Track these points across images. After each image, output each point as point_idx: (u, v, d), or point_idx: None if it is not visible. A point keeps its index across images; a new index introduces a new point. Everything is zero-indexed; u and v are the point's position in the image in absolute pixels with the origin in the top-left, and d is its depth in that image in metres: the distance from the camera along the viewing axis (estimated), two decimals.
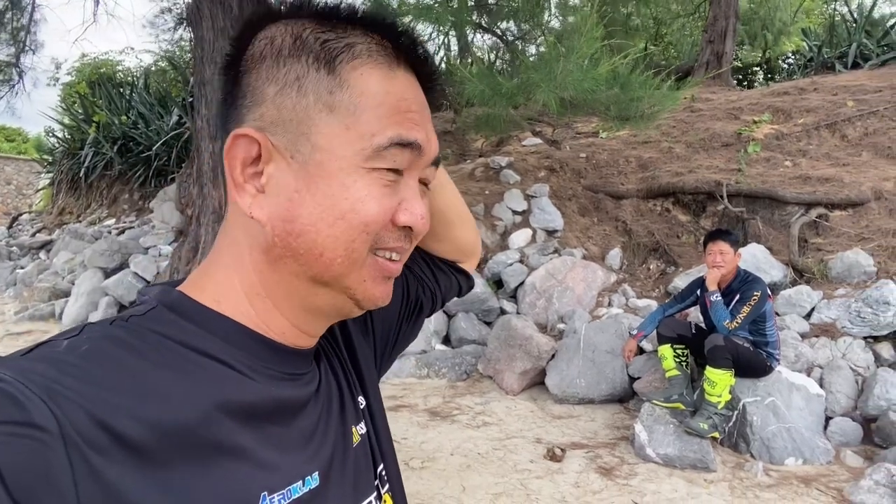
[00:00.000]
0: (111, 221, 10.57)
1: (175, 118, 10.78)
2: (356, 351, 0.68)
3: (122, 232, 9.28)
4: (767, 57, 12.89)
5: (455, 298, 0.89)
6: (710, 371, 3.64)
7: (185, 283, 0.54)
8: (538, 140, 8.51)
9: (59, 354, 0.42)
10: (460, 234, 0.83)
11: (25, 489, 0.36)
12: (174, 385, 0.45)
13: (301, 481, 0.51)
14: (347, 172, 0.50)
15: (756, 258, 5.25)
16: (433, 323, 5.51)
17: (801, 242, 5.58)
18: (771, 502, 3.17)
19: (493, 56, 9.45)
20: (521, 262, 6.04)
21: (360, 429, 0.63)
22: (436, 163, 0.57)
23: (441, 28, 6.61)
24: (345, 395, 0.62)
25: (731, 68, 11.00)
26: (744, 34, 12.56)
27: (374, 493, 0.61)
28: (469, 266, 0.88)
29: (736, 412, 3.78)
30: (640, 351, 4.62)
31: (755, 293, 3.69)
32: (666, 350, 3.99)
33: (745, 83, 12.32)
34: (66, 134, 12.92)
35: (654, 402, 3.89)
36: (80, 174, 11.74)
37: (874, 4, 12.20)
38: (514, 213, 6.67)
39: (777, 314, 4.58)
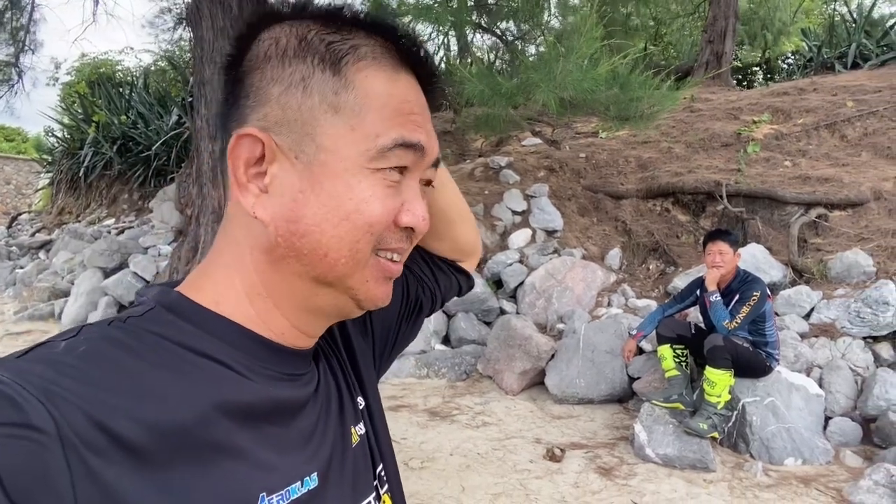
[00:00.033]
0: (111, 221, 10.56)
1: (174, 118, 10.78)
2: (355, 351, 0.68)
3: (122, 232, 9.27)
4: (767, 57, 12.89)
5: (455, 298, 0.89)
6: (709, 371, 3.64)
7: (184, 283, 0.54)
8: (538, 140, 8.51)
9: (57, 356, 0.42)
10: (461, 233, 0.83)
11: (23, 491, 0.36)
12: (172, 386, 0.45)
13: (300, 482, 0.50)
14: (352, 173, 0.50)
15: (755, 258, 5.25)
16: (433, 323, 5.51)
17: (800, 242, 5.58)
18: (770, 502, 3.17)
19: (492, 56, 9.45)
20: (520, 262, 6.04)
21: (359, 429, 0.63)
22: (435, 164, 0.58)
23: (441, 28, 6.61)
24: (343, 395, 0.62)
25: (731, 68, 11.00)
26: (743, 34, 12.56)
27: (373, 494, 0.61)
28: (469, 265, 0.88)
29: (735, 412, 3.78)
30: (640, 351, 4.63)
31: (754, 293, 3.69)
32: (665, 350, 3.99)
33: (745, 83, 12.32)
34: (65, 134, 12.91)
35: (654, 402, 3.89)
36: (80, 174, 11.74)
37: (874, 5, 12.22)
38: (514, 213, 6.67)
39: (776, 314, 4.58)
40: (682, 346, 4.01)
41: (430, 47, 7.96)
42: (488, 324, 5.62)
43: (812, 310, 4.72)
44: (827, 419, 3.92)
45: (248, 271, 0.53)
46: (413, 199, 0.54)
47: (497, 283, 6.02)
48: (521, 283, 5.81)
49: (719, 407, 3.67)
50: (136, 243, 7.99)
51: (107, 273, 7.27)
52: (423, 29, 7.04)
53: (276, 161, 0.50)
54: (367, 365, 0.69)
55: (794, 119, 7.52)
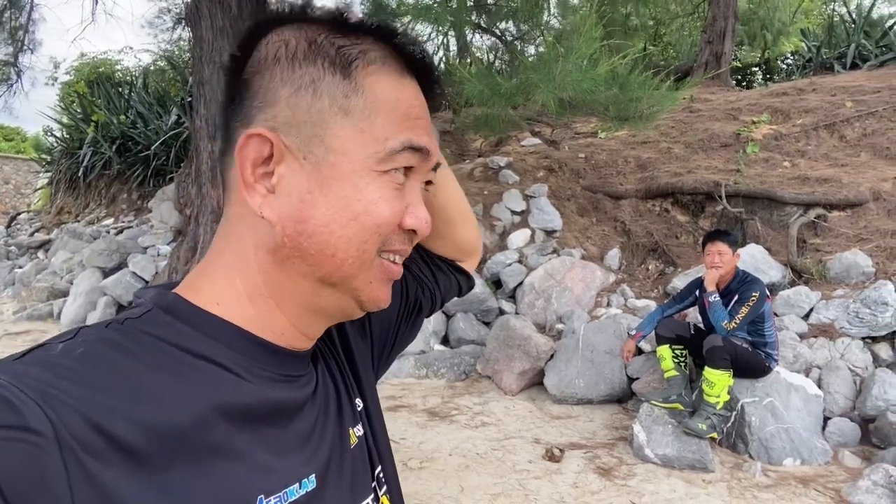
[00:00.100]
0: (110, 221, 10.56)
1: (174, 118, 10.78)
2: (353, 353, 0.68)
3: (121, 231, 9.27)
4: (766, 57, 12.90)
5: (454, 298, 0.89)
6: (708, 371, 3.64)
7: (182, 284, 0.54)
8: (537, 140, 8.51)
9: (54, 358, 0.42)
10: (462, 233, 0.83)
11: (21, 493, 0.36)
12: (170, 388, 0.45)
13: (297, 484, 0.50)
14: (360, 174, 0.51)
15: (755, 259, 5.26)
16: (432, 323, 5.51)
17: (799, 243, 5.58)
18: (769, 503, 3.18)
19: (492, 56, 9.46)
20: (519, 262, 6.04)
21: (358, 431, 0.63)
22: (435, 167, 0.59)
23: (440, 28, 6.62)
24: (342, 397, 0.62)
25: (730, 69, 11.01)
26: (743, 34, 12.57)
27: (372, 496, 0.61)
28: (469, 265, 0.88)
29: (734, 413, 3.79)
30: (639, 351, 4.63)
31: (753, 294, 3.70)
32: (664, 350, 4.00)
33: (744, 84, 12.33)
34: (64, 133, 12.90)
35: (653, 402, 3.90)
36: (79, 173, 11.73)
37: (873, 5, 12.23)
38: (513, 213, 6.67)
39: (775, 315, 4.58)
40: (682, 347, 4.01)
41: (430, 47, 7.97)
42: (487, 324, 5.63)
43: (811, 310, 4.73)
44: (826, 419, 3.93)
45: (252, 271, 0.53)
46: (416, 202, 0.55)
47: (496, 284, 6.02)
48: (521, 284, 5.81)
49: (718, 407, 3.67)
50: (136, 243, 7.99)
51: (106, 273, 7.27)
52: (423, 29, 7.05)
53: (284, 161, 0.51)
54: (365, 366, 0.69)
55: (794, 119, 7.53)
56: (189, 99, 9.57)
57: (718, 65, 10.20)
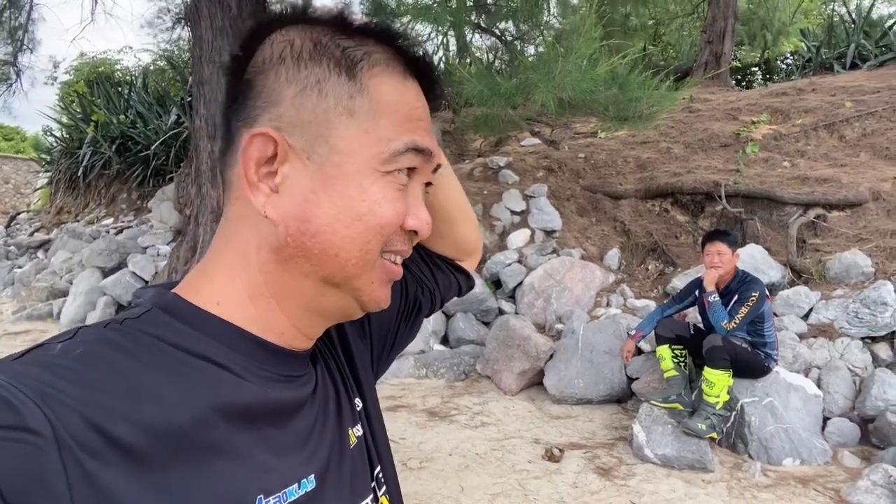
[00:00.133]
0: (109, 221, 10.55)
1: (173, 118, 10.77)
2: (353, 353, 0.68)
3: (121, 231, 9.27)
4: (766, 57, 12.90)
5: (454, 298, 0.89)
6: (708, 371, 3.64)
7: (181, 284, 0.54)
8: (537, 140, 8.51)
9: (53, 358, 0.42)
10: (462, 232, 0.83)
11: (20, 494, 0.36)
12: (168, 387, 0.45)
13: (297, 484, 0.50)
14: (364, 175, 0.51)
15: (754, 259, 5.26)
16: (431, 323, 5.51)
17: (799, 243, 5.58)
18: (768, 503, 3.18)
19: (491, 56, 9.45)
20: (519, 262, 6.05)
21: (357, 431, 0.63)
22: (435, 169, 0.59)
23: (440, 28, 6.62)
24: (341, 397, 0.62)
25: (730, 69, 11.01)
26: (743, 34, 12.57)
27: (371, 496, 0.61)
28: (469, 265, 0.88)
29: (734, 413, 3.79)
30: (639, 351, 4.63)
31: (753, 294, 3.70)
32: (664, 350, 4.00)
33: (744, 84, 12.33)
34: (64, 133, 12.90)
35: (653, 402, 3.90)
36: (79, 173, 11.73)
37: (872, 5, 12.23)
38: (513, 213, 6.67)
39: (775, 315, 4.58)
40: (681, 347, 4.01)
41: (429, 47, 7.96)
42: (487, 324, 5.63)
43: (810, 310, 4.73)
44: (825, 419, 3.93)
45: (253, 271, 0.53)
46: (418, 203, 0.55)
47: (496, 283, 6.03)
48: (520, 284, 5.81)
49: (718, 407, 3.67)
50: (135, 243, 7.99)
51: (105, 273, 7.26)
52: (422, 29, 7.04)
53: (288, 161, 0.51)
54: (364, 367, 0.69)
55: (793, 119, 7.53)
56: (189, 99, 9.57)
57: (718, 65, 10.20)
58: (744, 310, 3.68)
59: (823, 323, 4.58)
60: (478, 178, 7.33)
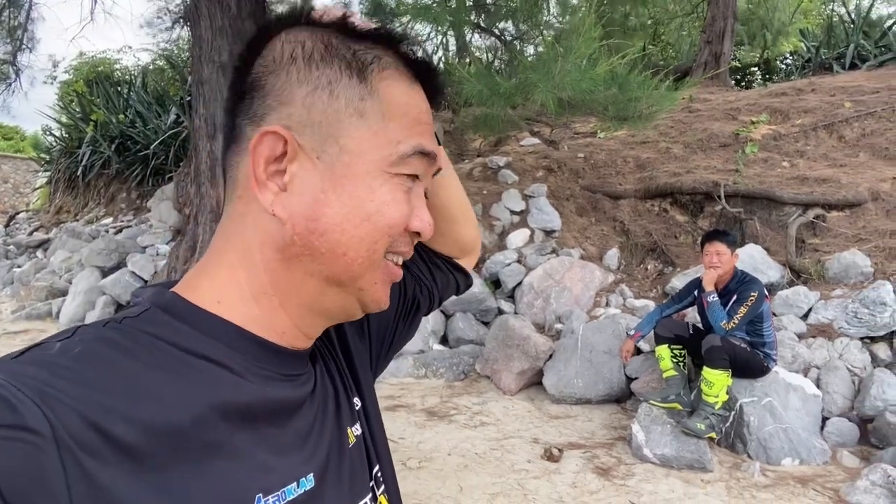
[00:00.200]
0: (109, 220, 10.54)
1: (173, 117, 10.76)
2: (352, 352, 0.68)
3: (120, 231, 9.26)
4: (765, 57, 12.90)
5: (453, 298, 0.89)
6: (707, 371, 3.65)
7: (180, 283, 0.54)
8: (536, 140, 8.51)
9: (52, 357, 0.42)
10: (462, 231, 0.83)
11: (19, 493, 0.36)
12: (167, 386, 0.45)
13: (296, 483, 0.50)
14: (374, 176, 0.52)
15: (753, 259, 5.26)
16: (431, 323, 5.51)
17: (798, 243, 5.59)
18: (768, 502, 3.18)
19: (491, 56, 9.45)
20: (518, 262, 6.05)
21: (356, 430, 0.63)
22: (436, 172, 0.60)
23: (439, 28, 6.62)
24: (340, 396, 0.62)
25: (729, 69, 11.01)
26: (743, 34, 12.57)
27: (370, 495, 0.61)
28: (467, 263, 0.89)
29: (733, 412, 3.79)
30: (638, 351, 4.63)
31: (752, 294, 3.70)
32: (663, 350, 4.00)
33: (743, 84, 12.33)
34: (63, 132, 12.88)
35: (652, 402, 3.90)
36: (78, 173, 11.71)
37: (872, 5, 12.22)
38: (512, 213, 6.67)
39: (774, 315, 4.58)
40: (680, 347, 4.01)
41: (429, 47, 7.96)
42: (486, 324, 5.63)
43: (810, 310, 4.73)
44: (824, 419, 3.93)
45: (257, 270, 0.53)
46: (421, 205, 0.56)
47: (495, 283, 6.03)
48: (520, 283, 5.81)
49: (717, 407, 3.68)
50: (134, 242, 7.98)
51: (105, 272, 7.26)
52: (422, 28, 7.05)
53: (297, 160, 0.51)
54: (363, 366, 0.70)
55: (793, 120, 7.53)
56: (188, 98, 9.56)
57: (717, 65, 10.21)
58: (743, 310, 3.68)
59: (822, 323, 4.58)
60: (477, 178, 7.33)
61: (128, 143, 10.95)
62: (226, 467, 0.46)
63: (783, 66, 13.22)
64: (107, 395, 0.41)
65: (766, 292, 3.95)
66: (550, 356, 4.82)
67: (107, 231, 9.43)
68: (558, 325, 5.30)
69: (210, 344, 0.50)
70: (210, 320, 0.51)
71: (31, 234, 11.79)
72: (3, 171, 19.15)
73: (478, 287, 5.66)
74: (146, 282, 6.76)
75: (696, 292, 4.08)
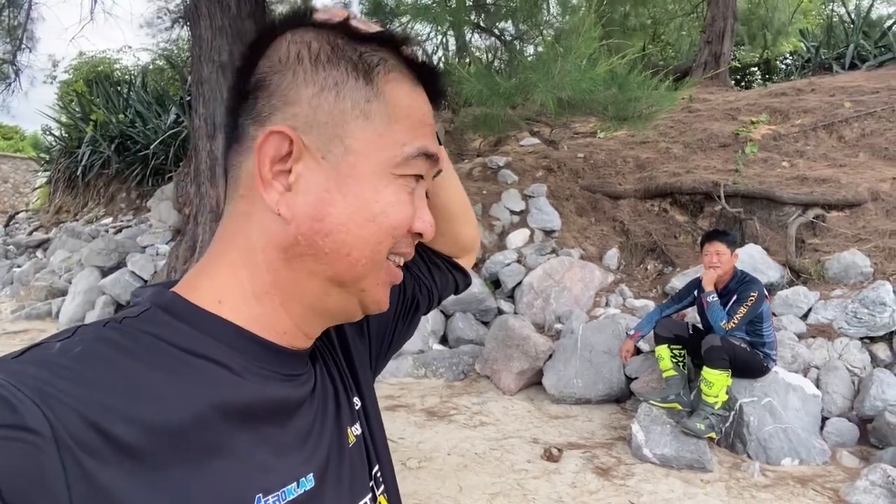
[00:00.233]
0: (108, 220, 10.54)
1: (172, 117, 10.76)
2: (351, 352, 0.68)
3: (120, 231, 9.26)
4: (765, 57, 12.91)
5: (452, 298, 0.90)
6: (706, 371, 3.65)
7: (180, 283, 0.54)
8: (536, 140, 8.51)
9: (52, 356, 0.42)
10: (461, 230, 0.84)
11: (19, 493, 0.36)
12: (168, 386, 0.45)
13: (296, 483, 0.50)
14: (379, 177, 0.52)
15: (753, 259, 5.26)
16: (430, 323, 5.51)
17: (798, 243, 5.59)
18: (767, 502, 3.18)
19: (490, 56, 9.45)
20: (518, 262, 6.05)
21: (356, 430, 0.63)
22: (436, 174, 0.61)
23: (439, 28, 6.62)
24: (340, 396, 0.62)
25: (729, 69, 11.01)
26: (742, 34, 12.58)
27: (370, 495, 0.61)
28: (466, 262, 0.89)
29: (733, 412, 3.79)
30: (638, 351, 4.63)
31: (752, 294, 3.70)
32: (663, 350, 4.00)
33: (743, 84, 12.33)
34: (63, 132, 12.88)
35: (651, 402, 3.90)
36: (78, 173, 11.71)
37: (871, 5, 12.22)
38: (512, 213, 6.67)
39: (774, 315, 4.58)
40: (680, 347, 4.01)
41: (429, 47, 7.95)
42: (486, 324, 5.63)
43: (809, 310, 4.73)
44: (824, 419, 3.93)
45: (259, 269, 0.53)
46: (423, 206, 0.56)
47: (495, 283, 6.02)
48: (519, 283, 5.81)
49: (717, 407, 3.68)
50: (134, 242, 7.98)
51: (104, 272, 7.26)
52: (422, 28, 7.04)
53: (302, 160, 0.51)
54: (363, 365, 0.70)
55: (792, 120, 7.54)
56: (188, 98, 9.56)
57: (717, 65, 10.21)
58: (742, 310, 3.68)
59: (822, 323, 4.58)
60: (477, 178, 7.33)
61: (127, 143, 10.95)
62: (226, 467, 0.46)
63: (783, 66, 13.23)
64: (107, 395, 0.41)
65: (766, 292, 3.95)
66: (550, 356, 4.82)
67: (106, 231, 9.43)
68: (558, 325, 5.30)
69: (210, 344, 0.50)
70: (210, 320, 0.51)
71: (30, 233, 11.79)
72: (3, 170, 19.14)
73: (477, 287, 5.67)
74: (146, 282, 6.76)
75: (695, 292, 4.08)
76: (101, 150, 11.17)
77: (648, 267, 6.19)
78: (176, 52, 12.65)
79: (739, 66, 12.86)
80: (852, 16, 12.51)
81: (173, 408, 0.44)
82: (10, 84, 7.55)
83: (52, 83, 15.01)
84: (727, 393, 3.70)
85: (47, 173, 13.77)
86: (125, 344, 0.46)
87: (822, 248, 5.42)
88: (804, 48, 12.73)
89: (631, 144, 7.86)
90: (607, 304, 5.55)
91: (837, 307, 4.58)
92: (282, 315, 0.54)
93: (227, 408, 0.47)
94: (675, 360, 3.97)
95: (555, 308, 5.47)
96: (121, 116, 11.17)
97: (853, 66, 10.69)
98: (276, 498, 0.48)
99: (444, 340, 5.67)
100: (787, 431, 3.66)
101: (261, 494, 0.47)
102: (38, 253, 10.14)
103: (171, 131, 10.32)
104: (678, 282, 5.34)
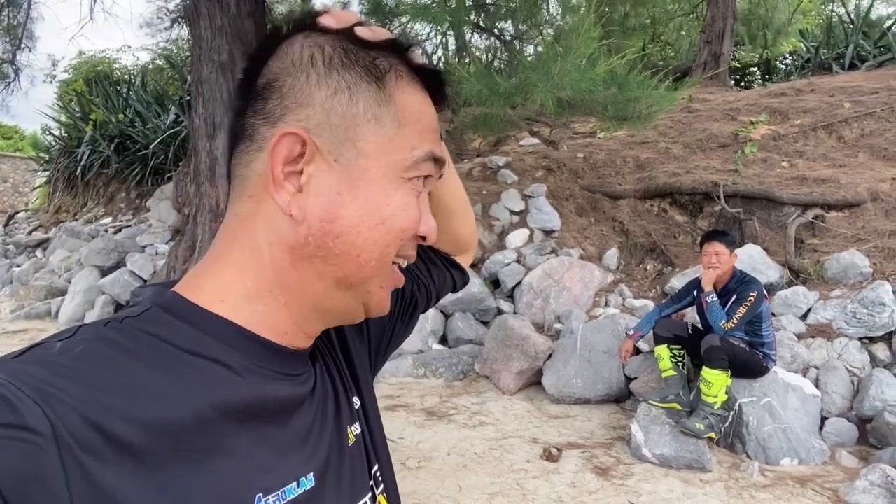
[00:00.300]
0: (108, 220, 10.54)
1: (172, 117, 10.76)
2: (351, 351, 0.68)
3: (119, 230, 9.26)
4: (765, 58, 12.91)
5: (451, 297, 0.90)
6: (706, 371, 3.65)
7: (181, 283, 0.54)
8: (536, 140, 8.51)
9: (53, 356, 0.42)
10: (460, 227, 0.84)
11: (20, 493, 0.36)
12: (168, 386, 0.45)
13: (296, 482, 0.51)
14: (389, 180, 0.53)
15: (752, 259, 5.26)
16: (430, 323, 5.51)
17: (797, 243, 5.59)
18: (766, 502, 3.18)
19: (490, 56, 9.44)
20: (518, 261, 6.05)
21: (355, 429, 0.63)
22: (439, 176, 0.61)
23: (438, 28, 6.62)
24: (340, 395, 0.63)
25: (729, 69, 11.02)
26: (742, 34, 12.58)
27: (369, 495, 0.61)
28: (464, 260, 0.89)
29: (732, 412, 3.79)
30: (637, 351, 4.63)
31: (751, 294, 3.70)
32: (662, 350, 4.00)
33: (743, 84, 12.34)
34: (62, 132, 12.88)
35: (651, 402, 3.90)
36: (77, 172, 11.71)
37: (871, 6, 12.23)
38: (512, 212, 6.67)
39: (773, 315, 4.59)
40: (679, 347, 4.02)
41: (428, 47, 7.95)
42: (485, 323, 5.63)
43: (809, 310, 4.73)
44: (823, 419, 3.93)
45: (265, 269, 0.53)
46: (426, 209, 0.57)
47: (494, 283, 6.03)
48: (519, 283, 5.81)
49: (716, 407, 3.68)
50: (134, 242, 7.98)
51: (104, 272, 7.26)
52: (421, 28, 7.04)
53: (314, 162, 0.52)
54: (362, 365, 0.70)
55: (792, 120, 7.54)
56: (187, 98, 9.57)
57: (717, 65, 10.21)
58: (742, 310, 3.68)
59: (821, 323, 4.58)
60: (477, 178, 7.33)
61: (127, 143, 10.95)
62: (226, 466, 0.46)
63: (782, 67, 13.23)
64: (107, 395, 0.41)
65: (766, 292, 3.95)
66: (549, 356, 4.82)
67: (106, 230, 9.43)
68: (557, 325, 5.30)
69: (210, 343, 0.50)
70: (211, 320, 0.51)
71: (30, 233, 11.79)
72: (3, 170, 19.13)
73: (477, 287, 5.67)
74: (145, 281, 6.76)
75: (695, 292, 4.08)
76: (100, 150, 11.17)
77: (648, 267, 6.20)
78: (175, 51, 12.65)
79: (739, 66, 12.87)
80: (852, 16, 12.51)
81: (174, 407, 0.44)
82: (9, 83, 7.55)
83: (51, 83, 15.04)
84: (726, 393, 3.71)
85: (47, 173, 13.77)
86: (126, 344, 0.46)
87: (822, 249, 5.43)
88: (804, 48, 12.73)
89: (630, 144, 7.86)
90: (607, 304, 5.55)
91: (837, 307, 4.58)
92: (285, 315, 0.54)
93: (228, 407, 0.47)
94: (674, 360, 3.97)
95: (554, 308, 5.47)
96: (120, 116, 11.17)
97: (853, 67, 10.70)
98: (276, 497, 0.48)
99: (443, 340, 5.67)
100: (787, 431, 3.66)
101: (261, 494, 0.47)
102: (38, 252, 10.14)
103: (170, 131, 10.33)
104: (677, 282, 5.34)
